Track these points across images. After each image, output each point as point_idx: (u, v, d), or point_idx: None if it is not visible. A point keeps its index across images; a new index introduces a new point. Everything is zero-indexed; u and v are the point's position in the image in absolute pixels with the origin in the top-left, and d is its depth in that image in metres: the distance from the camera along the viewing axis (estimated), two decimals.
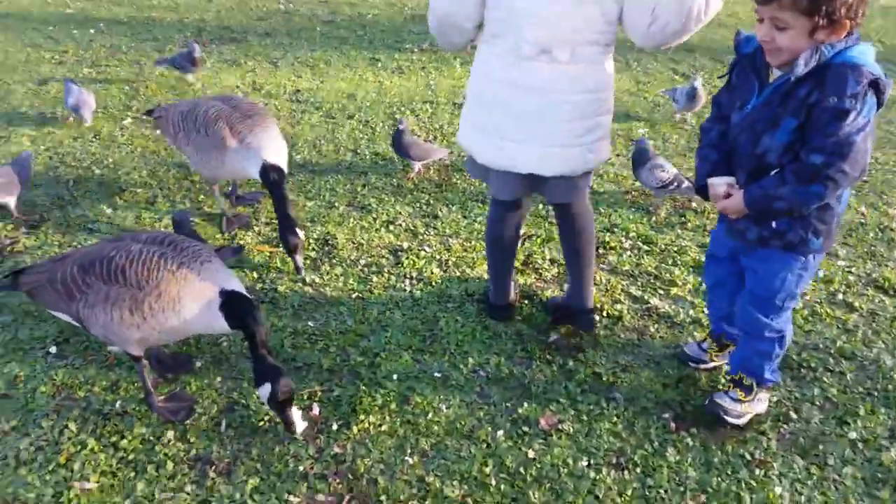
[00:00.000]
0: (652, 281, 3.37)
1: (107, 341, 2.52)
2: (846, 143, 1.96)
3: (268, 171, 3.32)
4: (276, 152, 3.41)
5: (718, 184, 2.25)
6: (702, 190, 2.34)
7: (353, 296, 3.24)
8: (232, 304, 2.40)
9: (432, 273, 3.41)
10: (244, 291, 2.47)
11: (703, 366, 2.81)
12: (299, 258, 3.27)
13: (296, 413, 2.42)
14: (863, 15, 2.00)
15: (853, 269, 3.44)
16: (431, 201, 4.04)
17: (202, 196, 4.00)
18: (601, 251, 3.58)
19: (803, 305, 3.18)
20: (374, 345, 2.93)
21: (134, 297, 2.38)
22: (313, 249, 3.58)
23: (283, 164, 3.41)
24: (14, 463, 2.39)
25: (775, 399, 2.67)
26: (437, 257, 3.54)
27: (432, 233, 3.74)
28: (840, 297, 3.25)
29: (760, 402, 2.57)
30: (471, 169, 2.88)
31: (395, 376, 2.78)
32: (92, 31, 6.85)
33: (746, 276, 2.43)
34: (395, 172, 4.35)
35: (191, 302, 2.38)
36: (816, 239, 2.21)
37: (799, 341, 2.97)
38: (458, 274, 3.41)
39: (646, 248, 3.62)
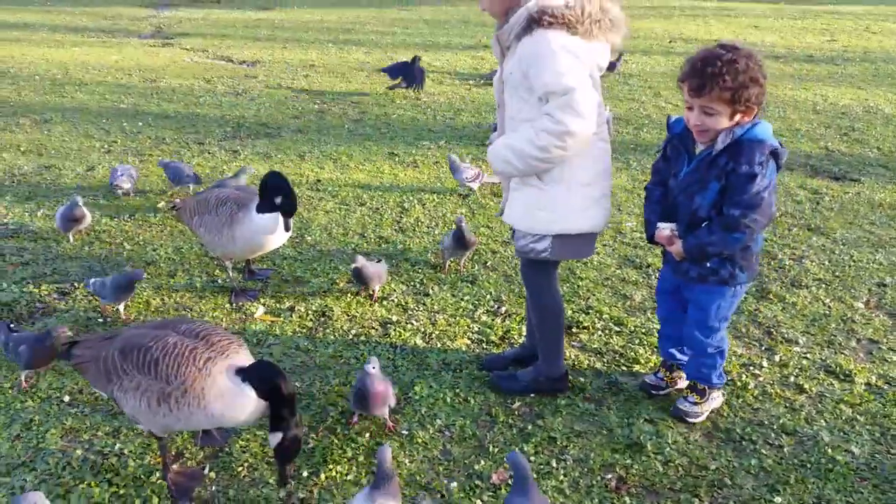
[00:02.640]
0: (617, 358, 3.62)
1: (135, 422, 2.72)
2: (757, 198, 2.64)
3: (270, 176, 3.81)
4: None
5: (664, 228, 2.90)
6: (651, 238, 3.00)
7: (341, 361, 3.56)
8: (256, 372, 2.50)
9: (416, 344, 3.72)
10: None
11: (661, 392, 3.31)
12: (289, 221, 3.79)
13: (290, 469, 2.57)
14: (764, 103, 2.65)
15: (808, 356, 3.64)
16: (425, 280, 4.39)
17: (217, 271, 4.42)
18: (574, 330, 3.85)
19: (755, 385, 3.39)
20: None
21: (162, 391, 2.51)
22: (310, 320, 3.93)
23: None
24: (19, 492, 2.70)
25: (713, 467, 2.86)
26: (423, 330, 3.85)
27: (421, 308, 4.07)
28: (792, 379, 3.45)
29: (714, 400, 3.16)
30: (565, 252, 3.06)
31: (367, 434, 3.05)
32: (140, 123, 7.55)
33: (689, 307, 3.04)
34: (396, 253, 4.73)
35: (214, 398, 2.47)
36: (742, 273, 2.87)
37: (746, 417, 3.17)
38: (439, 346, 3.71)
39: (616, 329, 3.88)
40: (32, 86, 9.00)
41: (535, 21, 2.71)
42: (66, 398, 3.23)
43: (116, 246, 4.74)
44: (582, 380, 3.43)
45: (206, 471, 2.83)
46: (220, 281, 4.32)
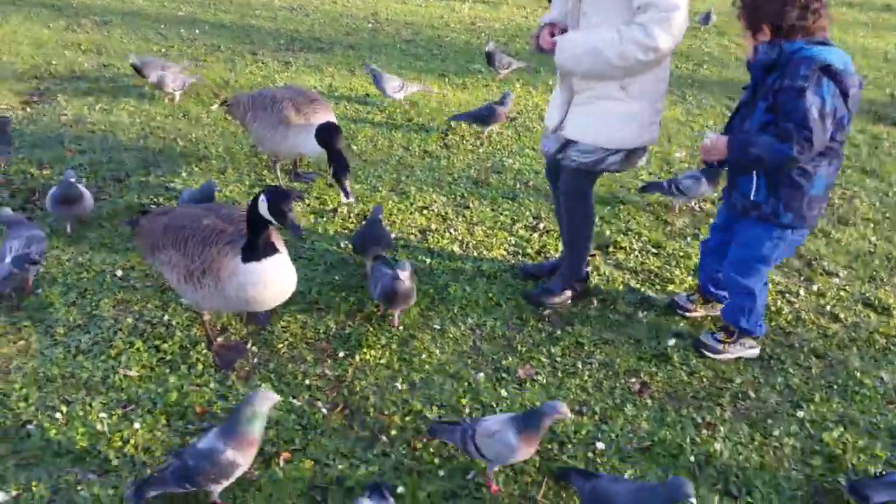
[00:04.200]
0: (652, 278, 3.64)
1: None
2: (808, 117, 2.46)
3: (323, 127, 3.86)
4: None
5: (707, 135, 2.77)
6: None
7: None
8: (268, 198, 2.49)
9: (452, 251, 3.79)
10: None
11: (688, 313, 3.30)
12: (347, 184, 3.76)
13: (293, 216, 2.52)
14: (814, 24, 2.49)
15: (848, 288, 3.61)
16: (465, 194, 4.43)
17: (265, 171, 4.52)
18: (611, 249, 3.87)
19: (789, 311, 3.39)
20: None
21: (187, 268, 2.66)
22: (352, 222, 4.02)
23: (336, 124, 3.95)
24: (75, 352, 2.88)
25: (739, 381, 2.90)
26: (460, 239, 3.91)
27: (461, 219, 4.13)
28: (828, 308, 3.44)
29: (744, 348, 3.02)
30: (627, 164, 3.05)
31: (401, 327, 3.15)
32: (197, 31, 7.62)
33: (731, 245, 2.89)
34: (439, 168, 4.77)
35: (227, 279, 2.57)
36: (786, 213, 2.69)
37: (776, 339, 3.19)
38: (475, 254, 3.77)
39: (654, 251, 3.89)
40: None
41: None
42: (119, 272, 3.39)
43: (170, 141, 4.86)
44: (614, 294, 3.47)
45: (249, 345, 2.97)
46: (267, 181, 4.42)
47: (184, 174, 4.40)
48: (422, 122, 5.58)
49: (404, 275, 2.95)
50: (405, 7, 9.48)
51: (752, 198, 2.72)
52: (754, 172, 2.70)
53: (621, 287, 3.54)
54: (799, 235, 2.82)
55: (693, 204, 4.35)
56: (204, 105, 5.54)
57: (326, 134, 3.84)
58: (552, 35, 2.95)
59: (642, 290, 3.53)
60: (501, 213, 4.23)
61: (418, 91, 5.90)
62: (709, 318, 3.29)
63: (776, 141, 2.54)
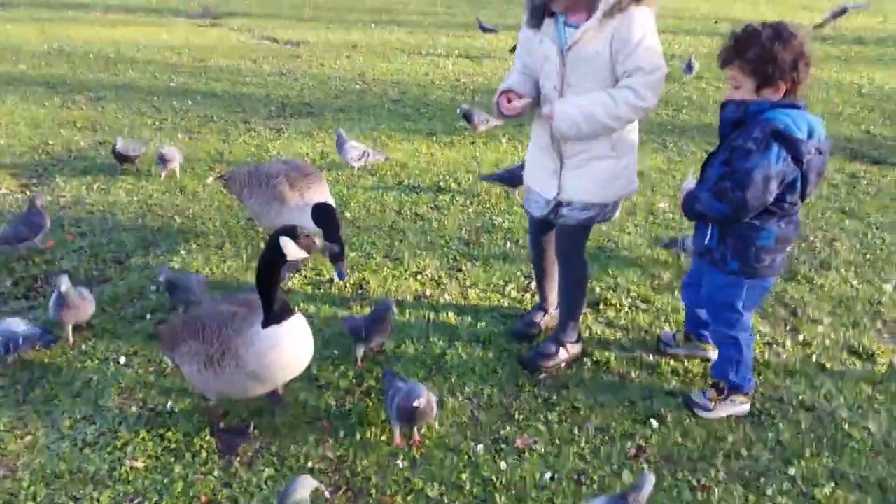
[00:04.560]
0: (642, 335, 3.73)
1: (196, 388, 3.00)
2: (748, 177, 2.60)
3: (319, 207, 4.01)
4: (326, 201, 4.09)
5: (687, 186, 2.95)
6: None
7: None
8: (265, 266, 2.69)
9: (447, 316, 3.88)
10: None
11: (670, 350, 3.49)
12: (341, 265, 3.90)
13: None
14: (797, 80, 2.58)
15: (832, 335, 3.71)
16: (458, 256, 4.54)
17: (262, 244, 4.63)
18: (601, 307, 3.97)
19: (778, 363, 3.48)
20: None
21: (206, 353, 2.75)
22: (348, 292, 4.12)
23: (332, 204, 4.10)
24: (81, 444, 2.95)
25: (731, 439, 2.98)
26: (455, 303, 4.01)
27: (454, 283, 4.23)
28: (814, 358, 3.53)
29: (734, 405, 3.09)
30: (616, 212, 3.29)
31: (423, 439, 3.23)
32: (189, 102, 7.82)
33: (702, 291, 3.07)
34: (431, 230, 4.89)
35: (246, 352, 2.67)
36: (733, 261, 2.85)
37: (766, 393, 3.27)
38: (469, 319, 3.87)
39: (643, 306, 3.99)
40: (87, 64, 9.34)
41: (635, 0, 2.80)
42: (122, 359, 3.47)
43: (168, 219, 4.98)
44: (607, 354, 3.56)
45: (251, 428, 3.04)
46: None
47: (183, 252, 4.51)
48: (412, 183, 5.72)
49: (422, 399, 2.78)
50: (391, 66, 9.74)
51: (705, 242, 2.92)
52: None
53: (613, 346, 3.63)
54: (760, 283, 2.91)
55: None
56: (199, 179, 5.68)
57: (322, 214, 3.97)
58: (509, 101, 3.11)
59: (633, 347, 3.61)
60: (494, 275, 4.34)
61: (380, 160, 5.97)
62: (694, 359, 3.44)
63: (713, 198, 2.72)
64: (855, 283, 4.22)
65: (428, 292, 4.13)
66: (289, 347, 2.72)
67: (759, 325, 3.78)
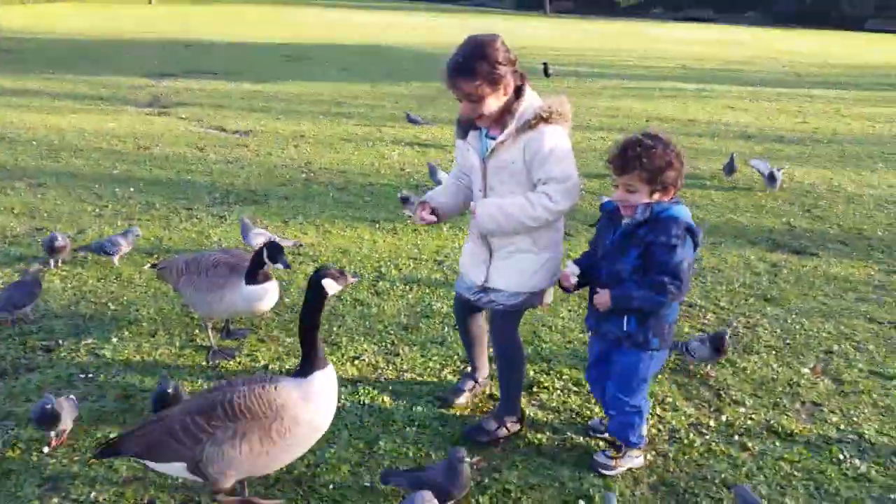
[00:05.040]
0: (573, 416, 3.81)
1: (215, 476, 2.85)
2: (679, 268, 2.99)
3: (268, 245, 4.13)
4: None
5: (571, 269, 3.26)
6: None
7: None
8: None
9: (383, 401, 3.90)
10: None
11: (599, 435, 3.62)
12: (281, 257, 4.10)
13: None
14: (680, 185, 3.05)
15: (754, 416, 3.85)
16: (395, 341, 4.60)
17: (196, 330, 4.62)
18: (535, 389, 4.05)
19: (701, 443, 3.59)
20: (318, 459, 3.39)
21: (262, 427, 2.81)
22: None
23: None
24: None
25: None
26: (391, 388, 4.04)
27: (391, 368, 4.27)
28: (736, 438, 3.66)
29: (632, 459, 3.40)
30: (542, 299, 3.54)
31: (331, 486, 3.21)
32: (131, 189, 7.84)
33: (611, 369, 3.33)
34: (370, 315, 4.95)
35: (303, 414, 2.86)
36: (654, 338, 3.18)
37: (690, 472, 3.37)
38: (405, 403, 3.90)
39: (574, 388, 4.08)
40: (29, 150, 9.32)
41: (544, 119, 3.19)
42: (45, 448, 3.37)
43: (101, 305, 4.93)
44: (539, 436, 3.62)
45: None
46: (198, 340, 4.51)
47: (115, 339, 4.46)
48: (353, 269, 5.81)
49: None
50: (338, 156, 9.97)
51: (624, 329, 3.17)
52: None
53: (545, 428, 3.70)
54: (664, 353, 3.35)
55: (708, 368, 4.31)
56: (136, 266, 5.66)
57: (273, 249, 4.11)
58: (424, 210, 3.53)
59: (564, 429, 3.69)
60: (431, 359, 4.39)
61: (289, 247, 6.04)
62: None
63: (653, 293, 3.04)
64: (775, 365, 4.41)
65: (365, 377, 4.15)
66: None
67: (684, 407, 3.91)
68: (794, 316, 5.12)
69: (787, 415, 3.87)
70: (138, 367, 4.18)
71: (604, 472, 3.34)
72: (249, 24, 30.03)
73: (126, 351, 4.32)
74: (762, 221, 7.46)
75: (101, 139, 10.21)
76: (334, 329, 4.73)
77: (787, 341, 4.74)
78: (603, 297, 3.16)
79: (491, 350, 3.84)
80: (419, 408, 3.85)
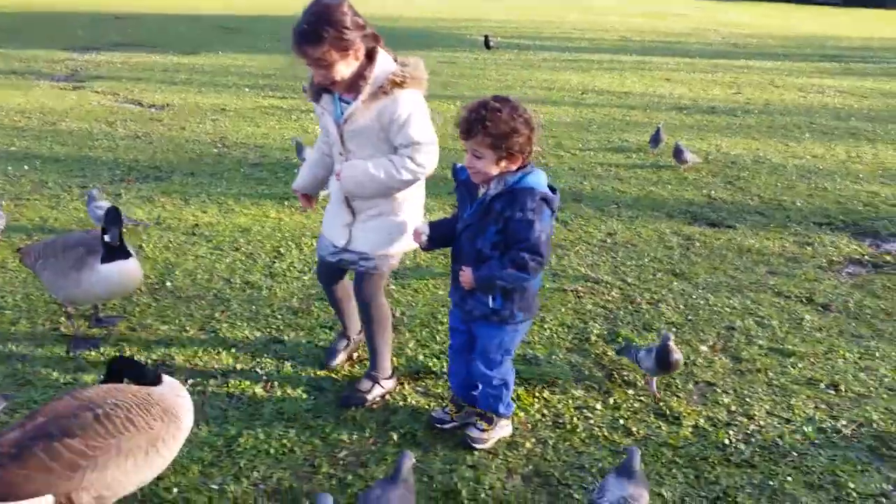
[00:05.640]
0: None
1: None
2: (538, 242, 2.87)
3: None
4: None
5: (422, 228, 3.16)
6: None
7: None
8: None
9: (254, 393, 3.63)
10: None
11: (446, 426, 3.39)
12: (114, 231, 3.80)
13: None
14: (530, 153, 2.87)
15: (643, 398, 3.69)
16: (282, 326, 4.32)
17: (62, 319, 4.27)
18: (421, 375, 3.83)
19: (584, 428, 3.41)
20: None
21: (149, 439, 2.58)
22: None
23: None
24: None
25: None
26: (266, 379, 3.77)
27: (270, 355, 3.99)
28: (621, 422, 3.48)
29: (502, 429, 3.32)
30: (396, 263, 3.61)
31: (175, 489, 2.94)
32: (26, 167, 7.34)
33: (476, 342, 3.22)
34: (259, 299, 4.65)
35: (184, 417, 2.77)
36: (520, 312, 3.10)
37: (568, 461, 3.19)
38: (278, 394, 3.63)
39: None
40: None
41: (398, 84, 3.10)
42: None
43: None
44: (416, 426, 3.40)
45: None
46: (62, 329, 4.17)
47: None
48: (251, 250, 5.49)
49: None
50: (258, 129, 9.55)
51: (490, 305, 3.05)
52: None
53: (423, 417, 3.48)
54: (529, 323, 3.28)
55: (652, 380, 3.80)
56: (13, 249, 5.25)
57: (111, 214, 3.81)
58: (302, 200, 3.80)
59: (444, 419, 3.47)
60: (317, 345, 4.13)
61: (131, 226, 5.72)
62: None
63: (516, 271, 2.91)
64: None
65: (239, 367, 3.87)
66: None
67: (573, 389, 3.73)
68: (700, 291, 4.98)
69: (677, 396, 3.71)
70: None
71: (476, 446, 3.25)
72: None
73: None
74: (683, 194, 7.33)
75: (4, 115, 9.61)
76: (216, 315, 4.42)
77: (690, 317, 4.59)
78: (466, 276, 3.02)
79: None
80: (291, 399, 3.59)
